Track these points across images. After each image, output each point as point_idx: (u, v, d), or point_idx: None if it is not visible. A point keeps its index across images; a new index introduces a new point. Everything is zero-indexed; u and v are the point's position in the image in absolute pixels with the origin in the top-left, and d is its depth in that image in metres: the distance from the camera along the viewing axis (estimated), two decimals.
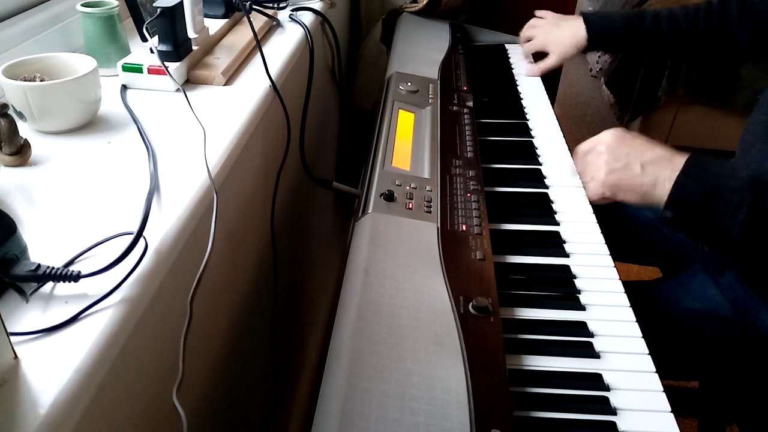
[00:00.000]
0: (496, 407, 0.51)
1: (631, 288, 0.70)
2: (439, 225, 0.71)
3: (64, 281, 0.44)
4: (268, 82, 0.81)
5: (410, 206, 0.72)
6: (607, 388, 0.58)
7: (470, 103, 1.03)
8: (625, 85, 2.45)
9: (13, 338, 0.39)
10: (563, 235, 0.78)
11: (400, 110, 0.95)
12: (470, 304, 0.60)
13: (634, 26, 1.05)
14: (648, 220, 1.01)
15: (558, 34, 1.14)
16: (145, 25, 0.77)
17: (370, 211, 0.70)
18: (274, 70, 0.85)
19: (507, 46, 1.39)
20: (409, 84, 1.04)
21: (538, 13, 1.26)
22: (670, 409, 0.56)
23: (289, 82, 0.91)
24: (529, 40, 1.22)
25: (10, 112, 0.59)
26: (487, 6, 1.62)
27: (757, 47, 0.98)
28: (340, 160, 1.64)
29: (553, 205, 0.84)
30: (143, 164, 0.61)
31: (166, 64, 0.75)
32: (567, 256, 0.75)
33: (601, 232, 0.79)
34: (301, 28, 1.03)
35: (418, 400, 0.49)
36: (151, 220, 0.52)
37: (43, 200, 0.54)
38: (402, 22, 1.44)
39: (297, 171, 1.07)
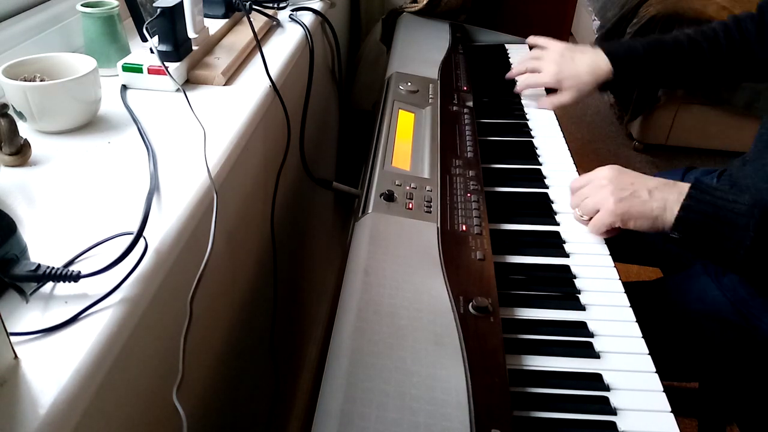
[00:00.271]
0: (496, 407, 0.51)
1: (631, 288, 0.70)
2: (439, 225, 0.71)
3: (64, 281, 0.44)
4: (268, 82, 0.81)
5: (410, 206, 0.73)
6: (607, 388, 0.58)
7: (470, 103, 1.03)
8: None
9: (13, 338, 0.39)
10: (563, 235, 0.78)
11: (400, 110, 0.95)
12: (470, 304, 0.60)
13: (657, 49, 0.98)
14: None
15: (574, 67, 1.02)
16: (145, 25, 0.77)
17: (370, 211, 0.70)
18: (274, 70, 0.85)
19: (507, 46, 1.39)
20: (409, 84, 1.04)
21: (536, 41, 1.14)
22: (670, 409, 0.56)
23: (289, 82, 0.91)
24: (533, 72, 1.09)
25: (10, 112, 0.59)
26: (487, 6, 1.62)
27: None
28: (340, 160, 1.64)
29: (553, 205, 0.84)
30: (143, 164, 0.61)
31: (166, 64, 0.75)
32: (567, 256, 0.75)
33: None
34: (301, 28, 1.03)
35: (418, 400, 0.49)
36: (151, 220, 0.52)
37: (43, 200, 0.54)
38: (402, 22, 1.44)
39: (297, 171, 1.07)
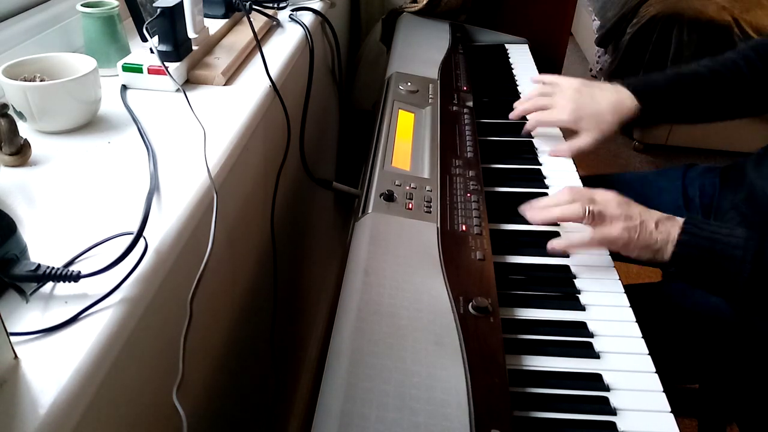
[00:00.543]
0: (496, 407, 0.51)
1: (632, 291, 0.69)
2: (439, 225, 0.71)
3: (64, 281, 0.44)
4: (268, 82, 0.81)
5: (410, 206, 0.72)
6: (607, 389, 0.58)
7: (470, 103, 1.03)
8: None
9: (13, 338, 0.39)
10: (563, 235, 0.78)
11: (400, 110, 0.95)
12: (470, 304, 0.60)
13: (677, 81, 0.92)
14: None
15: (593, 104, 0.91)
16: (145, 25, 0.77)
17: (370, 211, 0.70)
18: (274, 70, 0.85)
19: (507, 46, 1.39)
20: (409, 84, 1.04)
21: (543, 78, 1.03)
22: (670, 409, 0.56)
23: (289, 82, 0.91)
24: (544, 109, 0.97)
25: (10, 112, 0.59)
26: (487, 6, 1.62)
27: None
28: (340, 160, 1.64)
29: None
30: (143, 164, 0.61)
31: (166, 64, 0.75)
32: (567, 256, 0.74)
33: None
34: (301, 28, 1.03)
35: (418, 400, 0.49)
36: (151, 220, 0.52)
37: (43, 200, 0.54)
38: (402, 22, 1.44)
39: (297, 171, 1.07)
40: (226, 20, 0.94)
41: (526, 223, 0.80)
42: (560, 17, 1.66)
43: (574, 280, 0.71)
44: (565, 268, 0.73)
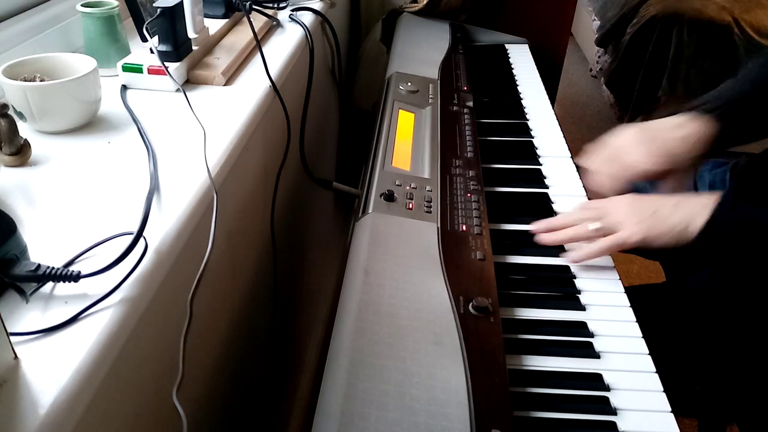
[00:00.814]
0: (496, 407, 0.51)
1: (633, 293, 0.69)
2: (439, 225, 0.71)
3: (64, 281, 0.44)
4: (268, 82, 0.81)
5: (410, 206, 0.72)
6: (607, 388, 0.58)
7: (470, 103, 1.03)
8: (625, 85, 2.45)
9: (13, 338, 0.39)
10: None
11: (400, 110, 0.95)
12: (470, 304, 0.60)
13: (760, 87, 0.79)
14: None
15: (664, 223, 0.70)
16: (145, 25, 0.77)
17: (370, 211, 0.70)
18: (274, 70, 0.85)
19: (507, 46, 1.39)
20: (409, 84, 1.04)
21: (589, 205, 0.79)
22: (670, 409, 0.56)
23: (289, 82, 0.91)
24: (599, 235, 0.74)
25: (10, 112, 0.59)
26: (487, 6, 1.62)
27: None
28: (340, 160, 1.64)
29: (553, 205, 0.84)
30: (143, 164, 0.61)
31: (166, 64, 0.75)
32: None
33: None
34: (301, 28, 1.03)
35: (418, 400, 0.49)
36: (151, 220, 0.52)
37: (43, 200, 0.54)
38: (402, 22, 1.44)
39: (297, 171, 1.07)
40: (226, 20, 0.94)
41: (526, 223, 0.80)
42: (560, 17, 1.66)
43: (574, 280, 0.71)
44: (566, 268, 0.73)
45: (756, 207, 0.67)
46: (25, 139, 0.60)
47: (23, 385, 0.38)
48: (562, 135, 1.01)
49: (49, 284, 0.45)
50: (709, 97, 0.80)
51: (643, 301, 0.69)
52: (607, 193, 0.81)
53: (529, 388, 0.58)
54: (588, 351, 0.62)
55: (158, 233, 0.51)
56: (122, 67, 0.75)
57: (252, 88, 0.79)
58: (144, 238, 0.49)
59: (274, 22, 1.04)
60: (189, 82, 0.80)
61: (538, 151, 0.96)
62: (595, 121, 2.82)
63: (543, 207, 0.83)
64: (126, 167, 0.60)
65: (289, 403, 1.22)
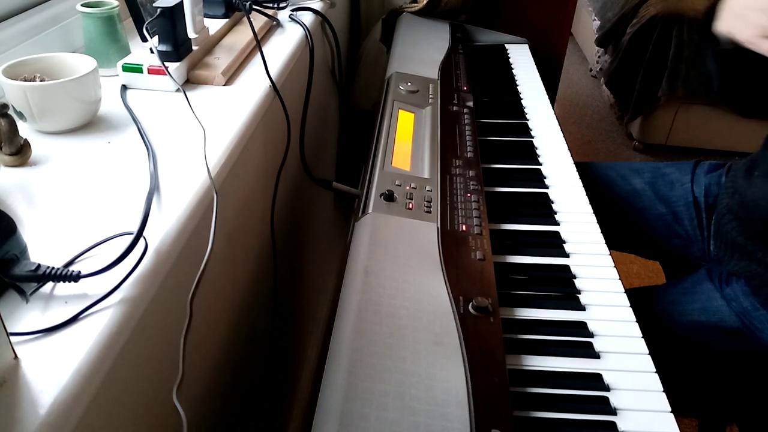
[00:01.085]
0: (496, 407, 0.51)
1: (634, 295, 0.69)
2: (439, 225, 0.71)
3: (64, 281, 0.44)
4: (268, 82, 0.81)
5: (410, 206, 0.72)
6: (607, 388, 0.58)
7: (470, 103, 1.03)
8: (625, 85, 2.46)
9: (13, 338, 0.39)
10: (563, 235, 0.78)
11: (400, 110, 0.95)
12: (470, 304, 0.60)
13: None
14: (661, 215, 1.00)
15: None
16: (145, 25, 0.77)
17: (370, 211, 0.70)
18: (274, 70, 0.85)
19: (507, 46, 1.39)
20: (409, 84, 1.04)
21: None
22: (670, 409, 0.56)
23: (289, 82, 0.91)
24: None
25: (10, 112, 0.59)
26: (487, 6, 1.62)
27: None
28: (340, 160, 1.64)
29: (553, 205, 0.84)
30: (143, 164, 0.61)
31: (166, 64, 0.75)
32: (567, 256, 0.75)
33: (608, 221, 0.77)
34: (301, 28, 1.03)
35: (418, 400, 0.49)
36: (151, 220, 0.52)
37: (43, 200, 0.54)
38: (402, 22, 1.44)
39: (297, 171, 1.07)
40: (226, 20, 0.94)
41: (526, 223, 0.80)
42: (560, 17, 1.66)
43: (574, 280, 0.71)
44: (566, 268, 0.73)
45: None
46: (25, 139, 0.60)
47: (23, 385, 0.38)
48: (562, 135, 1.01)
49: (49, 284, 0.45)
50: None
51: (641, 302, 0.68)
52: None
53: (529, 388, 0.58)
54: (588, 351, 0.62)
55: (158, 233, 0.51)
56: (122, 67, 0.75)
57: (252, 88, 0.79)
58: (144, 238, 0.49)
59: (274, 22, 1.04)
60: (189, 82, 0.80)
61: (537, 151, 0.96)
62: (595, 121, 2.82)
63: (543, 207, 0.83)
64: (126, 167, 0.60)
65: (289, 403, 1.22)
